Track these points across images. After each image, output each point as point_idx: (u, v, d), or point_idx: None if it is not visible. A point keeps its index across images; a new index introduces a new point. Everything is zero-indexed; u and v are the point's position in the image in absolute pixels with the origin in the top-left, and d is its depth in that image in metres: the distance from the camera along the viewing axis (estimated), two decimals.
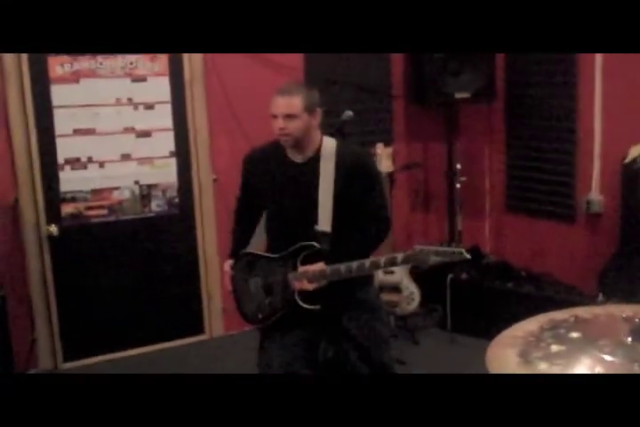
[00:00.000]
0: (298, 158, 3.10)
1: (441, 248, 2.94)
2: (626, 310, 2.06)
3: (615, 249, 4.71)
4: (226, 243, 4.75)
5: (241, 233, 3.42)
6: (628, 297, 4.47)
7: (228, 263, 3.36)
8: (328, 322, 3.18)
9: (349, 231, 3.09)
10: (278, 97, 3.00)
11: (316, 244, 3.04)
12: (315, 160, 3.08)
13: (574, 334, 2.06)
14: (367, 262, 3.00)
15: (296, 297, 3.07)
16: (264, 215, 3.33)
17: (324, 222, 3.04)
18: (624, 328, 1.95)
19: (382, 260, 2.99)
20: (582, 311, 2.21)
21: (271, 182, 3.14)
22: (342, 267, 2.99)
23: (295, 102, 2.98)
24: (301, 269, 3.05)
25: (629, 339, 1.94)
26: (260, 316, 3.21)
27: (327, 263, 3.02)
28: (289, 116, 2.97)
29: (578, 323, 2.13)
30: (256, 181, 3.22)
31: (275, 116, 3.00)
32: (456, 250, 2.87)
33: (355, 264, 2.98)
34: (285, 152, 3.11)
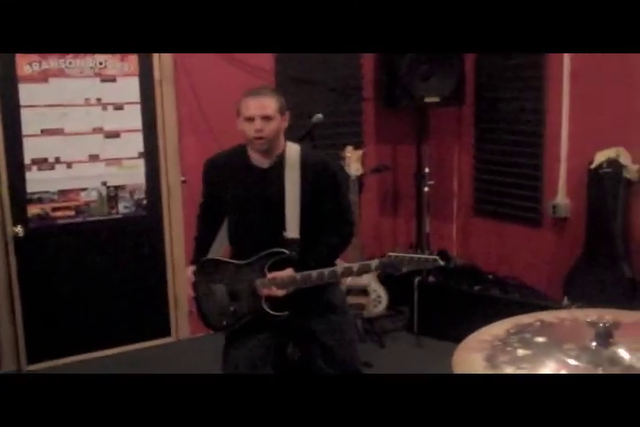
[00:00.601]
0: (263, 164, 3.08)
1: (415, 255, 2.93)
2: (591, 314, 2.08)
3: (580, 253, 4.76)
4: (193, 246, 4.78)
5: (203, 239, 3.39)
6: (593, 301, 4.54)
7: (191, 269, 3.32)
8: (295, 325, 3.18)
9: (316, 237, 3.09)
10: (251, 99, 2.98)
11: (285, 250, 3.03)
12: (279, 165, 3.06)
13: (540, 339, 2.07)
14: (339, 269, 3.01)
15: (263, 304, 3.06)
16: (226, 221, 3.31)
17: (292, 229, 3.04)
18: (589, 333, 1.97)
19: (355, 267, 2.98)
20: (548, 316, 2.23)
21: (235, 188, 3.12)
22: (314, 273, 2.98)
23: (270, 103, 2.97)
24: (270, 275, 3.04)
25: (594, 343, 1.95)
26: (225, 322, 3.18)
27: (296, 270, 3.02)
28: (265, 118, 2.95)
29: (543, 327, 2.14)
30: (219, 186, 3.18)
31: (249, 119, 2.97)
32: (430, 257, 2.89)
33: (327, 271, 2.98)
34: (249, 157, 3.09)
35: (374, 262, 2.92)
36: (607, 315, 2.03)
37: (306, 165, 3.06)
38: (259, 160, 3.08)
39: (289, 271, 3.01)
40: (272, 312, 3.05)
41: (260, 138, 2.98)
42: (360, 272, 3.00)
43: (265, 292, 3.04)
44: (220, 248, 3.37)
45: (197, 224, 3.44)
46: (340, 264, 3.12)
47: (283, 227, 3.04)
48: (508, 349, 2.04)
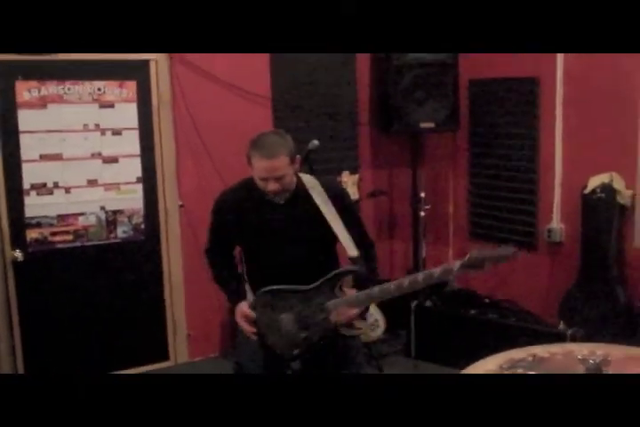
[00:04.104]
0: (280, 199, 3.06)
1: (494, 251, 2.76)
2: (584, 349, 2.11)
3: (576, 277, 4.80)
4: (192, 270, 4.81)
5: (231, 277, 3.29)
6: (588, 325, 4.57)
7: (244, 305, 3.15)
8: None
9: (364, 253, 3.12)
10: (264, 160, 2.92)
11: (352, 267, 3.01)
12: (300, 199, 3.07)
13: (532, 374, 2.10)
14: (421, 276, 2.87)
15: (339, 326, 3.00)
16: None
17: (350, 247, 3.02)
18: (580, 369, 2.00)
19: (437, 272, 2.83)
20: (540, 350, 2.26)
21: (256, 226, 3.09)
22: (392, 286, 2.90)
23: (282, 164, 2.93)
24: (346, 292, 3.00)
25: None
26: (297, 351, 3.09)
27: (359, 287, 2.99)
28: (279, 178, 2.95)
29: (535, 362, 2.17)
30: (235, 225, 3.14)
31: (264, 179, 2.95)
32: (508, 249, 2.74)
33: (407, 280, 2.88)
34: (263, 193, 3.05)
35: (456, 264, 2.79)
36: (599, 350, 2.07)
37: (331, 194, 3.08)
38: (273, 196, 3.05)
39: (353, 291, 2.99)
40: (347, 332, 3.03)
41: (276, 193, 3.00)
42: (442, 277, 2.84)
43: (342, 316, 2.98)
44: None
45: (212, 266, 3.34)
46: (422, 271, 2.99)
47: (325, 255, 3.10)
48: None
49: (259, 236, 3.11)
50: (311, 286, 3.03)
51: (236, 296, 3.21)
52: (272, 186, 2.95)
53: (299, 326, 3.06)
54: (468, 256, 2.78)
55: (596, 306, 4.70)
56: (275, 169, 2.92)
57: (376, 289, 2.94)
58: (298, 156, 3.05)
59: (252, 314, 3.11)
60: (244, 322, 3.14)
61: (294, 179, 3.08)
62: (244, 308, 3.14)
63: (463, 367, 2.33)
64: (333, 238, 3.07)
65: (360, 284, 3.02)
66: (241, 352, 3.35)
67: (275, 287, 3.09)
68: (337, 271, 3.01)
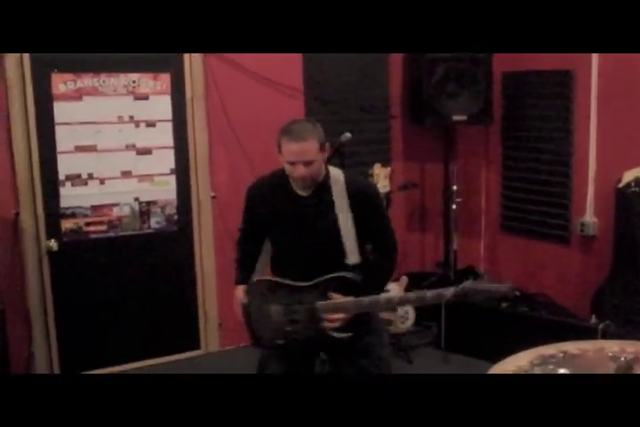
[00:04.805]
0: (305, 191, 3.08)
1: (489, 285, 2.87)
2: (614, 346, 2.10)
3: (608, 271, 4.76)
4: (224, 260, 4.85)
5: (247, 262, 3.38)
6: (620, 320, 4.54)
7: (241, 289, 3.30)
8: (328, 343, 3.16)
9: (368, 262, 3.12)
10: (293, 144, 2.94)
11: (351, 274, 3.03)
12: (321, 192, 3.07)
13: (562, 370, 2.10)
14: (412, 296, 3.04)
15: (325, 327, 3.04)
16: (268, 246, 3.31)
17: (352, 254, 3.04)
18: (610, 366, 2.00)
19: (430, 295, 2.96)
20: (571, 347, 2.26)
21: (279, 215, 3.12)
22: (382, 299, 2.98)
23: (312, 147, 2.94)
24: (335, 296, 3.03)
25: None
26: (279, 342, 3.16)
27: (356, 294, 3.02)
28: (308, 162, 2.95)
29: (566, 359, 2.17)
30: (263, 212, 3.18)
31: (292, 163, 2.96)
32: (503, 287, 2.81)
33: (397, 297, 3.03)
34: (291, 185, 3.09)
35: (449, 292, 2.88)
36: (629, 347, 2.07)
37: (352, 192, 3.06)
38: (299, 187, 3.09)
39: (349, 298, 3.02)
40: (335, 334, 3.04)
41: (304, 180, 3.00)
42: (435, 300, 2.94)
43: (327, 315, 3.03)
44: (262, 271, 3.38)
45: (238, 248, 3.44)
46: (415, 291, 3.13)
47: (332, 252, 3.05)
48: None
49: (281, 226, 3.15)
50: (305, 283, 3.08)
51: (240, 278, 3.36)
52: (300, 170, 2.95)
53: (286, 318, 3.12)
54: (462, 286, 2.86)
55: (628, 300, 4.66)
56: (304, 152, 2.93)
57: (366, 300, 2.99)
58: (327, 144, 3.06)
59: (245, 299, 3.24)
60: (236, 304, 3.30)
61: (323, 170, 3.08)
62: (239, 292, 3.30)
63: (493, 360, 2.34)
64: (360, 235, 3.08)
65: (350, 291, 3.03)
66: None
67: (269, 278, 3.22)
68: (332, 275, 3.03)
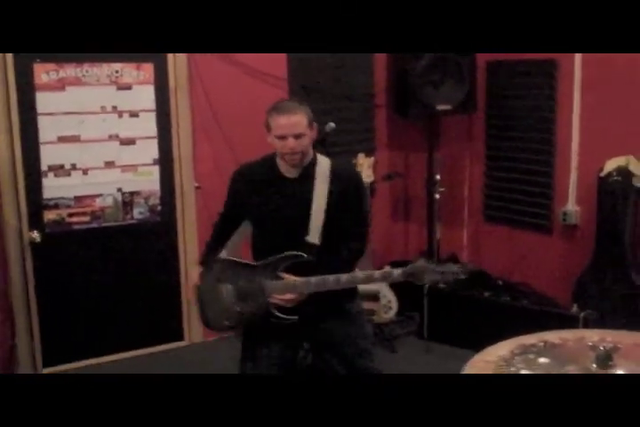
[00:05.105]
0: (292, 174, 3.11)
1: (439, 266, 2.88)
2: (594, 336, 2.13)
3: (590, 260, 4.80)
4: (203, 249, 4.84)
5: (215, 245, 3.42)
6: (602, 308, 4.58)
7: (197, 270, 3.36)
8: (311, 334, 3.21)
9: (335, 245, 3.11)
10: (282, 117, 2.98)
11: (302, 253, 3.02)
12: (307, 176, 3.09)
13: (543, 360, 2.12)
14: (360, 275, 3.04)
15: (270, 306, 3.05)
16: (250, 230, 3.31)
17: (314, 235, 3.05)
18: (590, 355, 2.02)
19: (377, 274, 3.05)
20: (552, 336, 2.28)
21: (262, 198, 3.13)
22: (330, 278, 2.97)
23: (301, 121, 2.99)
24: (285, 276, 3.03)
25: (594, 366, 2.01)
26: (227, 323, 3.19)
27: (311, 275, 3.01)
28: (298, 136, 2.98)
29: (547, 348, 2.19)
30: (246, 197, 3.19)
31: (282, 137, 2.98)
32: (453, 270, 2.85)
33: (344, 276, 2.98)
34: (278, 168, 3.12)
35: (397, 271, 2.93)
36: (609, 336, 2.09)
37: (336, 178, 3.09)
38: (288, 171, 3.11)
39: (301, 279, 3.02)
40: (280, 315, 3.04)
41: (294, 154, 3.01)
42: (382, 279, 3.00)
43: (274, 294, 3.04)
44: (233, 252, 3.42)
45: (213, 231, 3.47)
46: (362, 271, 3.13)
47: (305, 233, 3.05)
48: (512, 369, 2.10)
49: (263, 209, 3.15)
50: (258, 262, 3.10)
51: (202, 259, 3.42)
52: (291, 143, 2.97)
53: (236, 298, 3.14)
54: (410, 265, 2.90)
55: (609, 289, 4.70)
56: (293, 125, 2.97)
57: (313, 279, 3.00)
58: (315, 124, 3.09)
59: (197, 281, 3.30)
60: (190, 285, 3.38)
61: (311, 151, 3.12)
62: (195, 273, 3.37)
63: (475, 349, 2.36)
64: (331, 220, 3.08)
65: (305, 272, 3.02)
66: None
67: (225, 258, 3.27)
68: (284, 254, 3.03)
